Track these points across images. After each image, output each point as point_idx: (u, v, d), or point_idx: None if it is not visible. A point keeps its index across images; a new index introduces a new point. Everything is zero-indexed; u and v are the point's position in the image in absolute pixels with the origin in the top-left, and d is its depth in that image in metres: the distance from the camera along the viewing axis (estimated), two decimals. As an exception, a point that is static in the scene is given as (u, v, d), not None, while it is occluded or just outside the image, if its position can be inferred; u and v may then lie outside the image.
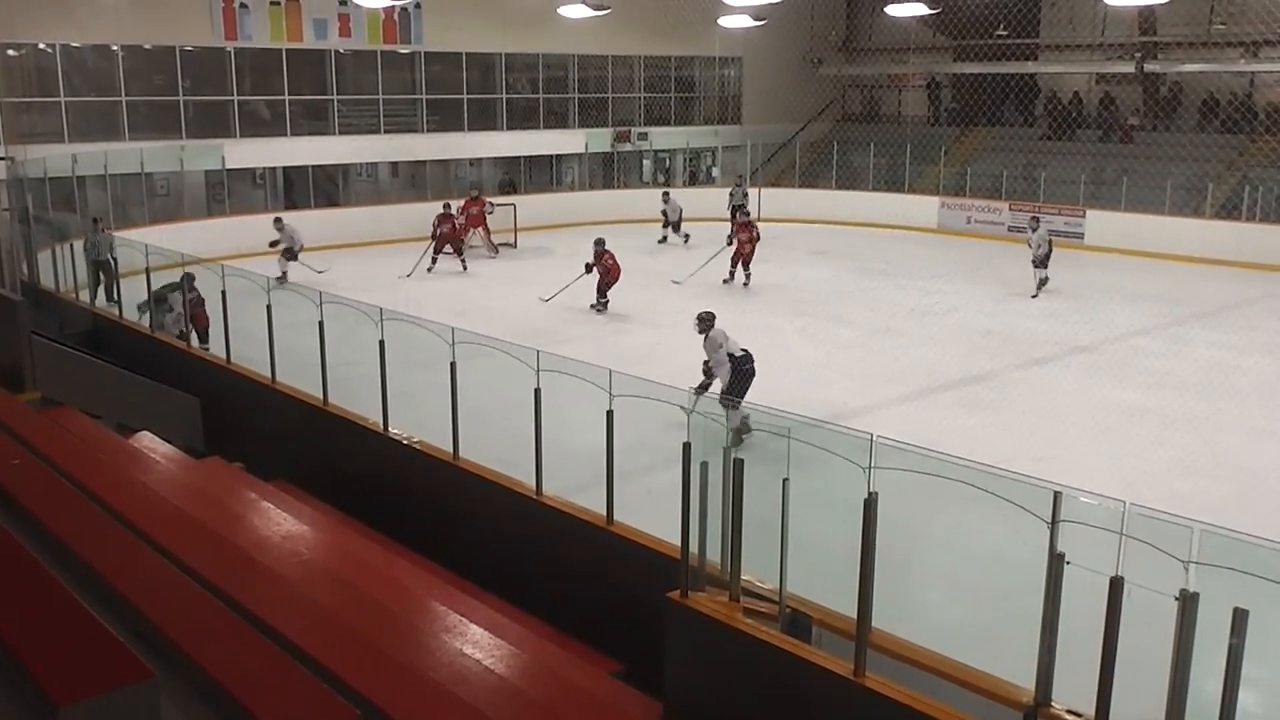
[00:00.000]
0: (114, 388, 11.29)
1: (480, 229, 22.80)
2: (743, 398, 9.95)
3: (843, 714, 4.95)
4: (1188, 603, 3.95)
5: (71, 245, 16.65)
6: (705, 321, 11.32)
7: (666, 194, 24.74)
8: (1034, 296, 18.29)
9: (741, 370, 10.61)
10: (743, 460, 5.42)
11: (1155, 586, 3.96)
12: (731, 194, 25.92)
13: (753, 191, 27.56)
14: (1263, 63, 25.10)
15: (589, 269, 17.37)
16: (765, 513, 5.36)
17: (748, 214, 20.98)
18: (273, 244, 19.16)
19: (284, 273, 17.93)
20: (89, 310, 14.44)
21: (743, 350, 10.93)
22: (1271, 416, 11.95)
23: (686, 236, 23.41)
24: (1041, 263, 18.46)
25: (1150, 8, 25.18)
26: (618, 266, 17.44)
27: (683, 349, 14.70)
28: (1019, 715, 4.61)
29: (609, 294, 17.43)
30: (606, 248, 17.43)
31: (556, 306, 17.34)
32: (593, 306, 17.32)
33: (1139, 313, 17.41)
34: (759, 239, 19.54)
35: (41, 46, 20.82)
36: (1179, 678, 4.05)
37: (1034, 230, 18.60)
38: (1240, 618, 3.81)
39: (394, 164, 26.63)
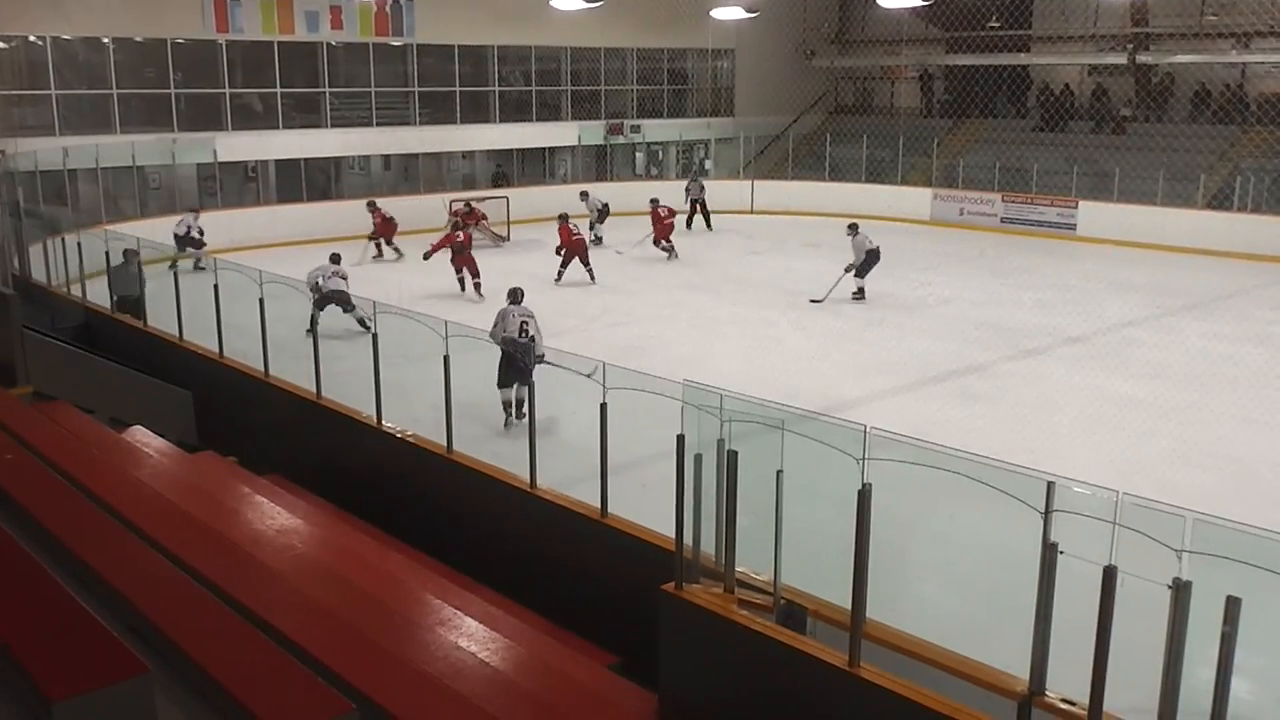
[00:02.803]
0: (106, 382, 11.26)
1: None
2: (508, 382, 10.65)
3: (837, 704, 4.96)
4: (1181, 591, 3.96)
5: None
6: (508, 295, 11.48)
7: (584, 193, 23.65)
8: (856, 297, 17.39)
9: (506, 353, 10.63)
10: (736, 452, 5.41)
11: (1149, 576, 3.97)
12: (688, 188, 25.85)
13: (745, 184, 27.62)
14: (1254, 54, 25.12)
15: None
16: (760, 504, 5.37)
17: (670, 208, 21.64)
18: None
19: None
20: (81, 304, 14.39)
21: (516, 336, 10.78)
22: (1263, 406, 11.98)
23: (599, 239, 22.58)
24: (859, 271, 17.44)
25: (1142, -1, 25.22)
26: (569, 237, 18.74)
27: (675, 342, 14.76)
28: (1013, 705, 4.62)
29: (566, 267, 18.88)
30: (567, 222, 18.83)
31: (549, 299, 17.29)
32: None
33: (1131, 303, 17.45)
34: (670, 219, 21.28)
35: (32, 39, 20.73)
36: (1172, 666, 4.06)
37: (852, 237, 17.61)
38: (1233, 606, 3.83)
39: (386, 157, 26.57)
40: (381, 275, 18.99)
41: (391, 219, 21.48)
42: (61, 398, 9.95)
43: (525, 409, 10.04)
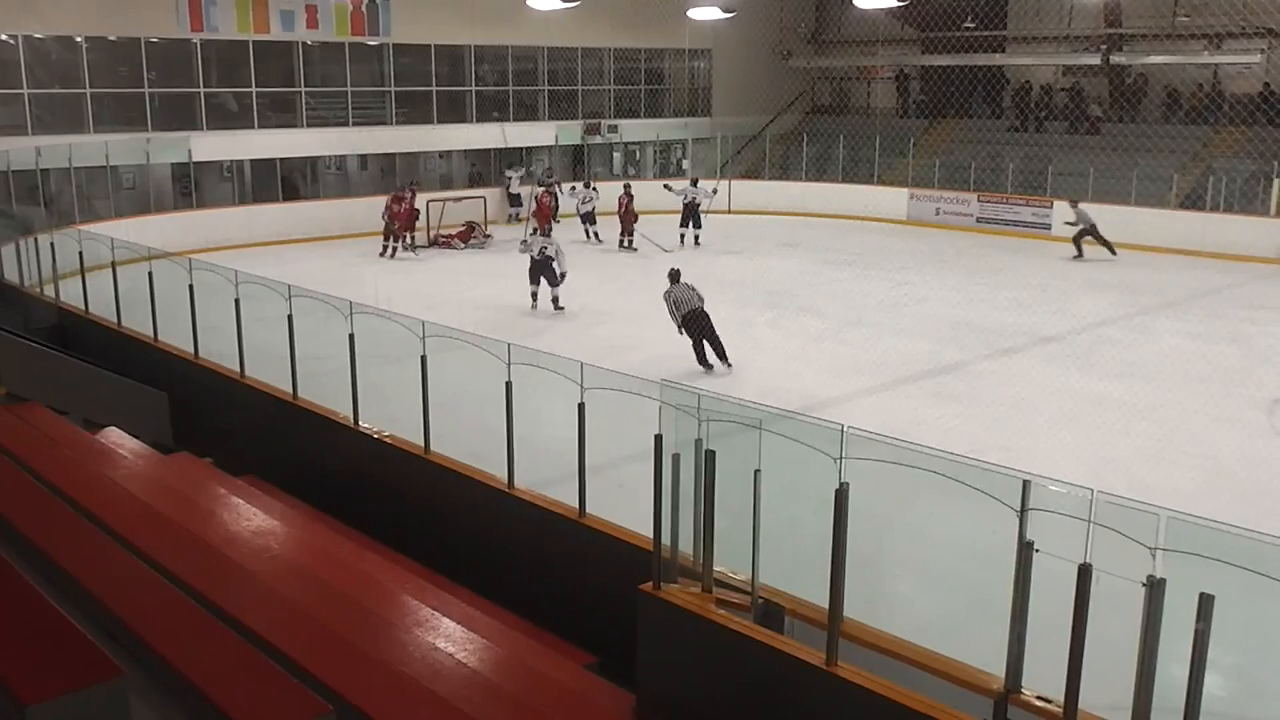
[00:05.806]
0: (80, 383, 11.17)
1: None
2: (535, 280, 16.38)
3: (815, 703, 4.98)
4: (1154, 589, 3.99)
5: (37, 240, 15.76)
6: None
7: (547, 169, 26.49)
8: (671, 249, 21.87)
9: (532, 261, 16.37)
10: (714, 452, 5.42)
11: (1123, 573, 4.00)
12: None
13: (724, 183, 27.64)
14: (1226, 54, 25.37)
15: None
16: (738, 504, 5.38)
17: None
18: None
19: None
20: (54, 305, 14.26)
21: (535, 256, 16.21)
22: (1236, 404, 12.10)
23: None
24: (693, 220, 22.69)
25: (1115, 0, 25.40)
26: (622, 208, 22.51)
27: (657, 340, 14.74)
28: (989, 702, 4.64)
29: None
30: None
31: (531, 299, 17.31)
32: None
33: (1105, 302, 17.58)
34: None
35: (3, 38, 20.52)
36: (1146, 663, 4.09)
37: (694, 184, 22.97)
38: (1206, 603, 3.86)
39: (363, 156, 26.46)
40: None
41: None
42: (34, 399, 9.87)
43: (559, 304, 16.46)
